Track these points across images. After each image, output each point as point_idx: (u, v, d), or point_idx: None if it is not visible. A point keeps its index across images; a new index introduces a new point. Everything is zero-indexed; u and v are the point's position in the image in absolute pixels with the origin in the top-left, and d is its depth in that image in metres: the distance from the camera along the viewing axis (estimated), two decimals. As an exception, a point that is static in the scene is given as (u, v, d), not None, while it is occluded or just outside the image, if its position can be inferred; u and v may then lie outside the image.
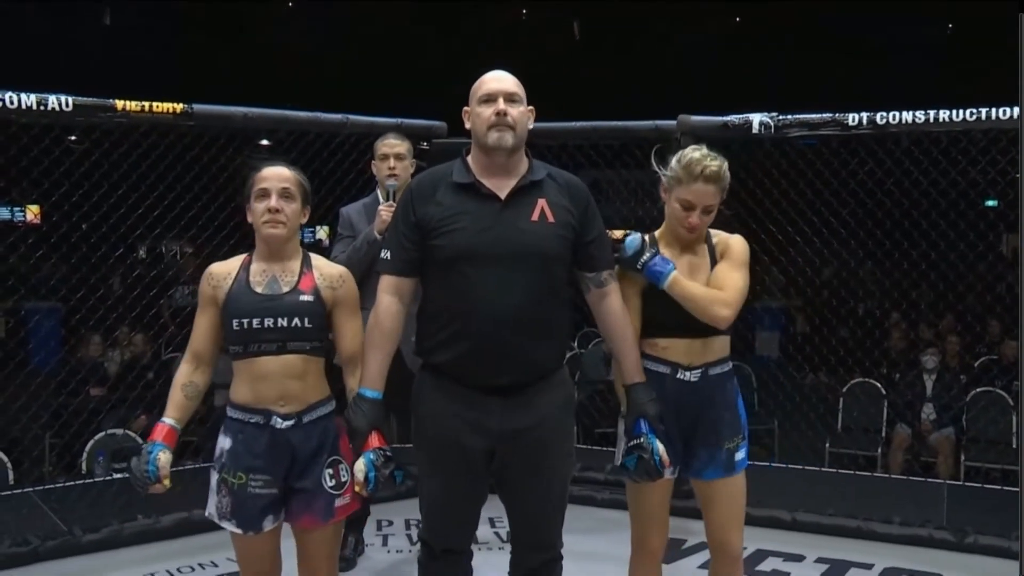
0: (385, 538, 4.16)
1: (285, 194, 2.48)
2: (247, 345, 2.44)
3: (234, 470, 2.45)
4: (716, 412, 2.62)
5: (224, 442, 2.49)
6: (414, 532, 4.17)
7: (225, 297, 2.47)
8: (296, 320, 2.44)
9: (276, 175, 2.49)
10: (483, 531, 3.90)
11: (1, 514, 4.03)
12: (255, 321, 2.42)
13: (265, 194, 2.47)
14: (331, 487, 2.47)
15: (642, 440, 2.47)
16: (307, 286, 2.48)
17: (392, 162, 3.63)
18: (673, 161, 2.60)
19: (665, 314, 2.57)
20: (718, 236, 2.69)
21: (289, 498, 2.49)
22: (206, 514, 2.55)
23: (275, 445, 2.44)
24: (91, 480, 4.56)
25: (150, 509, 4.10)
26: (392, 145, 3.68)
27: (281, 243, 2.49)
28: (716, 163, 2.55)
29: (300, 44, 14.22)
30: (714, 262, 2.63)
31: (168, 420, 2.48)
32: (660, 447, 2.47)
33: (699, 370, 2.59)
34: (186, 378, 2.52)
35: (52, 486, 4.49)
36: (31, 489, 4.41)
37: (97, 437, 5.11)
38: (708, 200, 2.55)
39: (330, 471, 2.48)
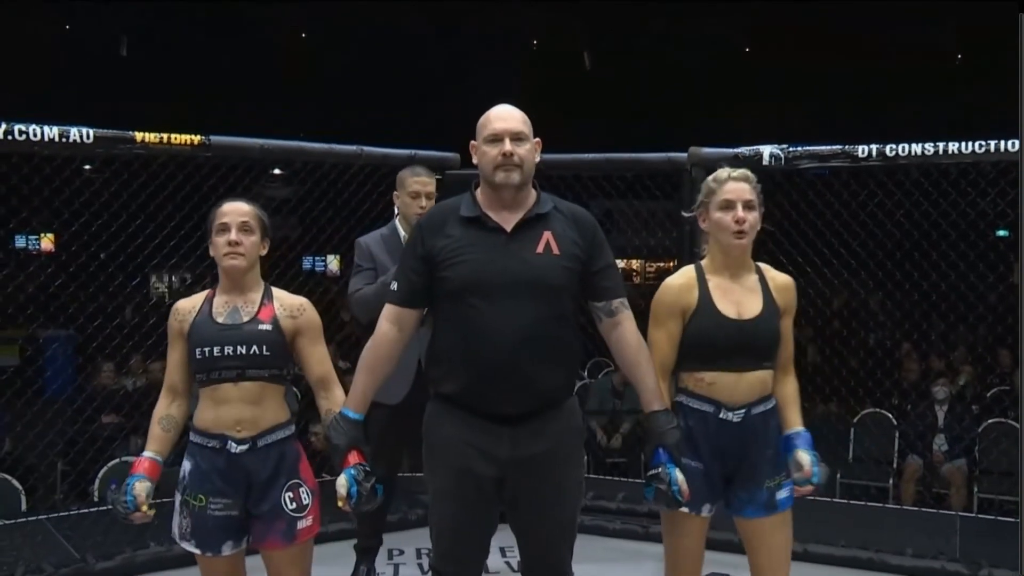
0: (397, 567, 4.16)
1: (244, 227, 2.59)
2: (209, 372, 2.55)
3: (195, 492, 2.56)
4: (758, 452, 2.60)
5: (186, 465, 2.60)
6: (425, 561, 4.17)
7: (189, 328, 2.59)
8: (255, 348, 2.54)
9: (235, 210, 2.61)
10: (494, 560, 3.89)
11: (15, 541, 4.05)
12: (215, 349, 2.54)
13: (225, 228, 2.59)
14: (292, 510, 2.56)
15: (660, 471, 2.44)
16: (266, 316, 2.59)
17: (424, 201, 3.59)
18: (701, 188, 2.69)
19: (710, 347, 2.57)
20: (768, 270, 2.69)
21: (252, 523, 2.58)
22: (171, 534, 2.64)
23: (231, 469, 2.54)
24: (104, 507, 4.56)
25: (163, 537, 4.10)
26: (425, 183, 3.64)
27: (241, 274, 2.60)
28: (741, 170, 2.65)
29: (300, 44, 14.37)
30: (765, 294, 2.62)
31: (148, 453, 2.59)
32: (679, 476, 2.44)
33: (742, 410, 2.57)
34: (163, 411, 2.64)
35: (65, 513, 4.50)
36: (44, 516, 4.42)
37: (110, 464, 5.11)
38: (745, 195, 2.59)
39: (290, 494, 2.57)
